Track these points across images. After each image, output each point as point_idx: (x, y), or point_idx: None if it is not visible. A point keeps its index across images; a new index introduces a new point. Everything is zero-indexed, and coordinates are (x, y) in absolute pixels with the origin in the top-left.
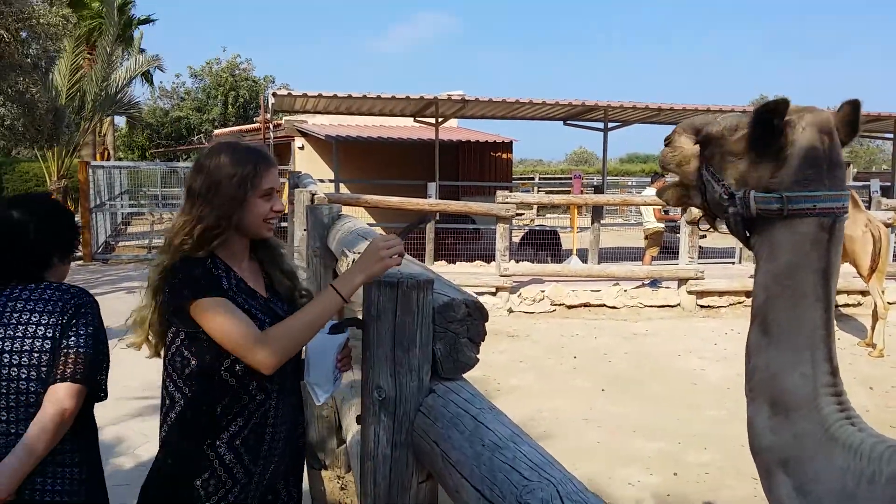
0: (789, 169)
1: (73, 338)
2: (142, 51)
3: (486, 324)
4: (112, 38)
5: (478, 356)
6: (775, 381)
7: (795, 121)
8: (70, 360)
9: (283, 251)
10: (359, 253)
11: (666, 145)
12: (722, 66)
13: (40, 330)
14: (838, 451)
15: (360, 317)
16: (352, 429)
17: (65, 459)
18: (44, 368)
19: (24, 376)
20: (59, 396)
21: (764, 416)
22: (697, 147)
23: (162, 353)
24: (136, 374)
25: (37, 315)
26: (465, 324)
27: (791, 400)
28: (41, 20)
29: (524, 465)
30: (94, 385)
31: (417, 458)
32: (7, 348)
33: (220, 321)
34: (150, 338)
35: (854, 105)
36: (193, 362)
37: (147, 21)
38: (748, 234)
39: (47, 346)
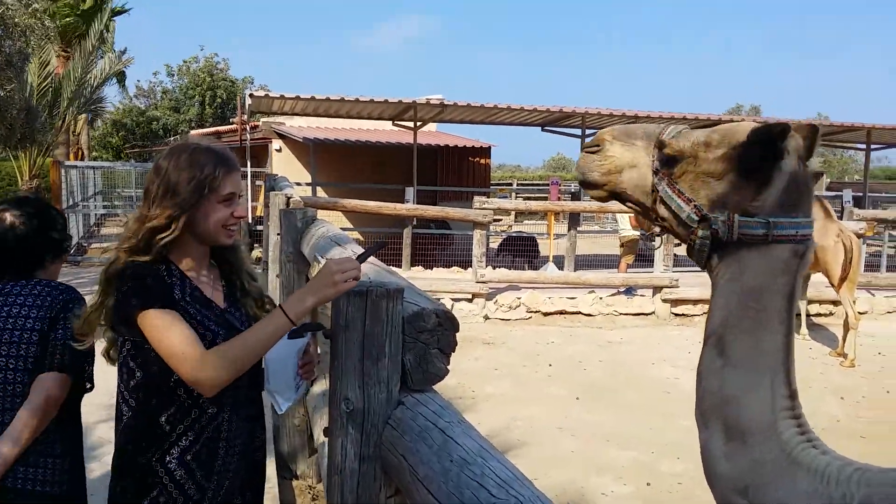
0: (773, 193)
1: (60, 331)
2: (121, 52)
3: (462, 331)
4: (95, 37)
5: (448, 367)
6: (731, 405)
7: (786, 144)
8: (57, 352)
9: (245, 256)
10: (329, 259)
11: (591, 151)
12: (703, 74)
13: (29, 323)
14: (802, 474)
15: (328, 323)
16: (323, 438)
17: (48, 449)
18: (31, 360)
19: (11, 366)
20: (46, 385)
21: (719, 442)
22: (640, 157)
23: (112, 356)
24: (107, 377)
25: (26, 309)
26: (436, 334)
27: (748, 424)
28: (15, 19)
29: (492, 483)
30: (79, 375)
31: (386, 472)
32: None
33: (165, 335)
34: (100, 341)
35: (814, 130)
36: (139, 374)
37: (121, 12)
38: (707, 257)
39: (35, 339)
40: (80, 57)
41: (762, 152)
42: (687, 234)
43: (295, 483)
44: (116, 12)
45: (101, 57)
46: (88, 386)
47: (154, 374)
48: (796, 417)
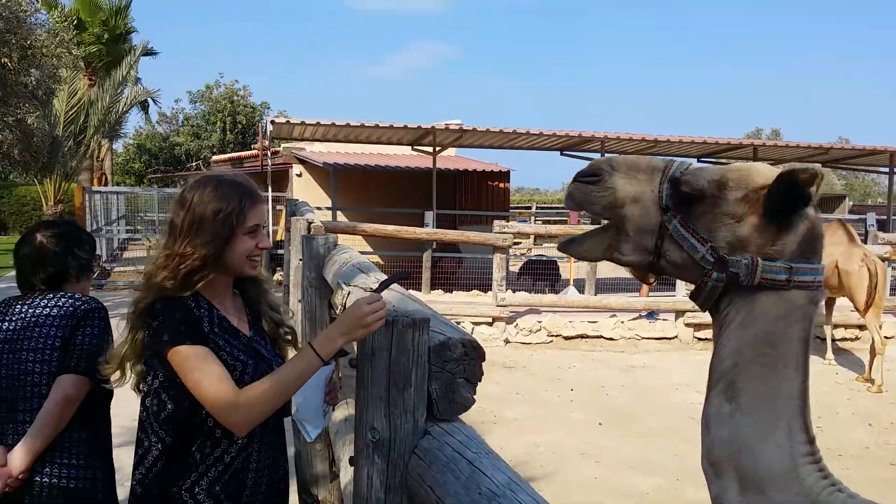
0: (795, 238)
1: (79, 337)
2: (138, 80)
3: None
4: (126, 69)
5: (474, 397)
6: (746, 454)
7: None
8: (75, 356)
9: (268, 286)
10: (356, 286)
11: (589, 182)
12: (722, 98)
13: (52, 331)
14: None
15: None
16: (345, 464)
17: (73, 446)
18: (54, 364)
19: (37, 370)
20: (64, 385)
21: (734, 493)
22: (644, 191)
23: (142, 389)
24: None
25: (51, 318)
26: (462, 363)
27: (766, 473)
28: (43, 49)
29: None
30: (96, 377)
31: (412, 502)
32: (25, 346)
33: (197, 376)
34: (126, 372)
35: (818, 175)
36: (170, 406)
37: (149, 53)
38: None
39: (57, 345)
40: (110, 86)
41: (790, 198)
42: (698, 275)
43: None
44: (145, 52)
45: (126, 85)
46: (107, 386)
47: (186, 407)
48: (817, 462)
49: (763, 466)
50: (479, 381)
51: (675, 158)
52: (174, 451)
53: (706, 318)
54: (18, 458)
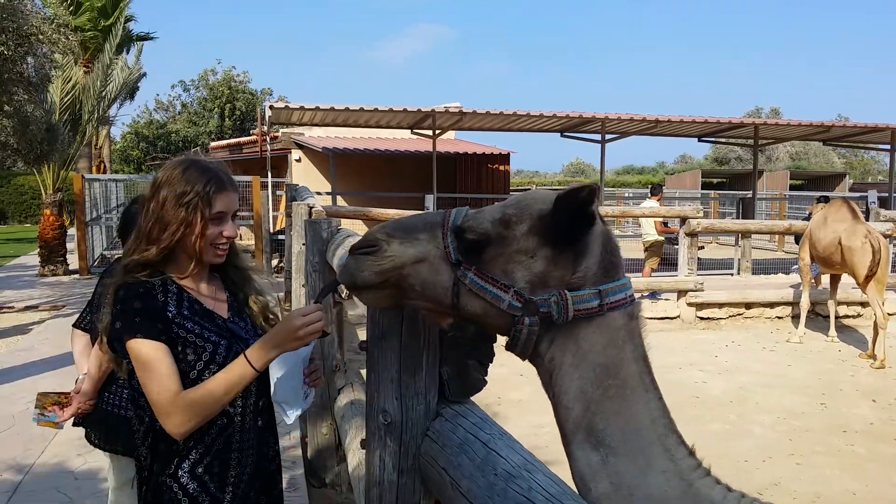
0: (593, 259)
1: None
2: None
3: None
4: (112, 50)
5: (486, 378)
6: (636, 496)
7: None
8: None
9: (252, 272)
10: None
11: (363, 252)
12: (721, 77)
13: None
14: None
15: (364, 336)
16: (352, 447)
17: (119, 381)
18: None
19: None
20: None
21: None
22: (428, 250)
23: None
24: None
25: None
26: (473, 345)
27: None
28: (41, 37)
29: (541, 497)
30: None
31: (425, 484)
32: (105, 301)
33: (144, 375)
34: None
35: (595, 188)
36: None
37: (146, 38)
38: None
39: None
40: (101, 71)
41: (575, 221)
42: (509, 324)
43: (324, 491)
44: (142, 38)
45: (114, 70)
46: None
47: None
48: (709, 474)
49: (658, 499)
50: (491, 362)
51: (453, 209)
52: (155, 436)
53: (709, 297)
54: (82, 395)
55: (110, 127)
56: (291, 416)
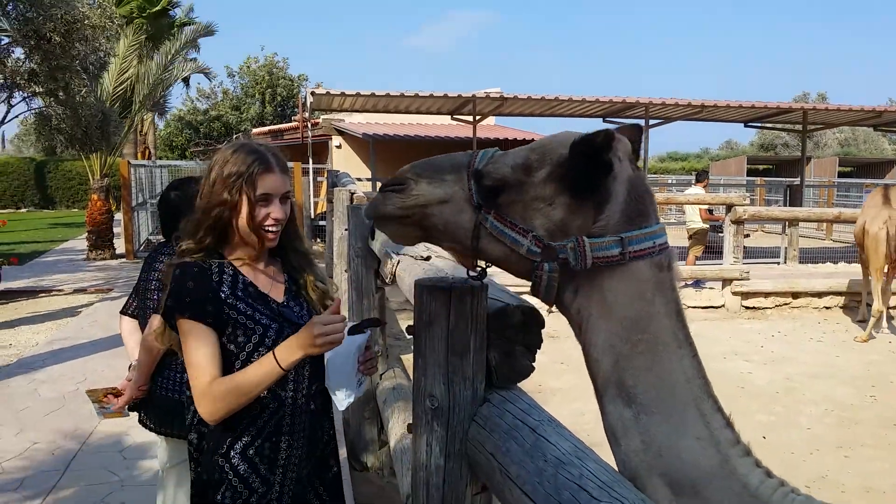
0: (616, 206)
1: None
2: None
3: None
4: (180, 46)
5: (534, 364)
6: (665, 456)
7: (614, 152)
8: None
9: (312, 258)
10: (406, 255)
11: (392, 190)
12: (769, 62)
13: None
14: None
15: (412, 322)
16: (394, 431)
17: (173, 363)
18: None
19: (150, 307)
20: (152, 322)
21: (665, 502)
22: (453, 191)
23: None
24: None
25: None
26: (521, 331)
27: (697, 472)
28: (87, 22)
29: (592, 484)
30: None
31: (472, 469)
32: (151, 287)
33: (187, 352)
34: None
35: (638, 130)
36: None
37: (208, 33)
38: (557, 293)
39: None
40: (162, 61)
41: (589, 166)
42: (530, 269)
43: (366, 475)
44: (205, 32)
45: (175, 62)
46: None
47: None
48: (749, 454)
49: (690, 464)
50: (539, 348)
51: (480, 150)
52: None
53: (755, 286)
54: (136, 382)
55: (155, 114)
56: (344, 402)
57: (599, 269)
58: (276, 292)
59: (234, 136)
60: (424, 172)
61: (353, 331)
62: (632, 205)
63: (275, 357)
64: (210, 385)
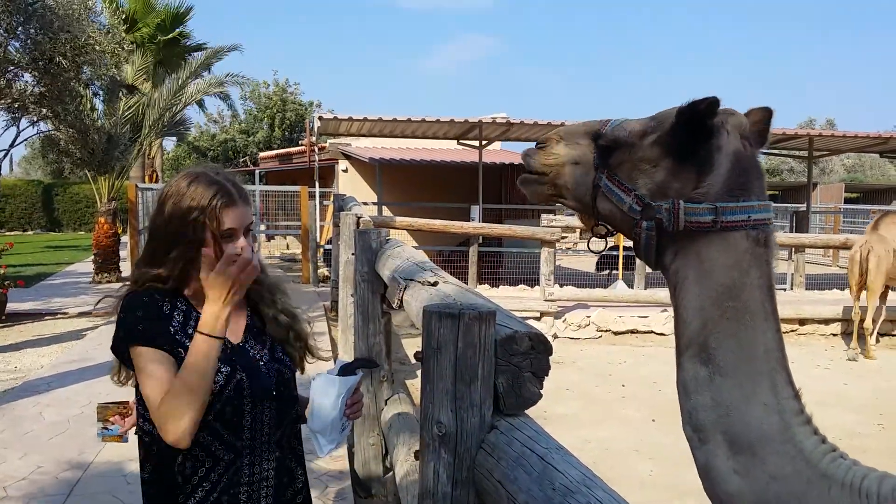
0: (718, 177)
1: None
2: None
3: None
4: (191, 71)
5: (541, 391)
6: (731, 417)
7: (722, 123)
8: None
9: (277, 287)
10: (413, 281)
11: (539, 147)
12: (774, 87)
13: None
14: (836, 490)
15: (420, 349)
16: (399, 458)
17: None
18: None
19: None
20: None
21: (723, 458)
22: (584, 153)
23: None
24: None
25: None
26: (529, 357)
27: (757, 434)
28: (97, 47)
29: None
30: None
31: (480, 497)
32: None
33: (143, 381)
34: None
35: (767, 112)
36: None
37: (218, 56)
38: (658, 253)
39: None
40: (172, 87)
41: (691, 132)
42: (631, 227)
43: (371, 501)
44: (219, 52)
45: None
46: None
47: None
48: (808, 422)
49: (753, 427)
50: (546, 375)
51: (613, 118)
52: (159, 474)
53: None
54: None
55: (175, 138)
56: (325, 449)
57: (699, 236)
58: (235, 331)
59: (242, 160)
60: (564, 135)
61: (344, 371)
62: (734, 178)
63: (199, 332)
64: (161, 404)
